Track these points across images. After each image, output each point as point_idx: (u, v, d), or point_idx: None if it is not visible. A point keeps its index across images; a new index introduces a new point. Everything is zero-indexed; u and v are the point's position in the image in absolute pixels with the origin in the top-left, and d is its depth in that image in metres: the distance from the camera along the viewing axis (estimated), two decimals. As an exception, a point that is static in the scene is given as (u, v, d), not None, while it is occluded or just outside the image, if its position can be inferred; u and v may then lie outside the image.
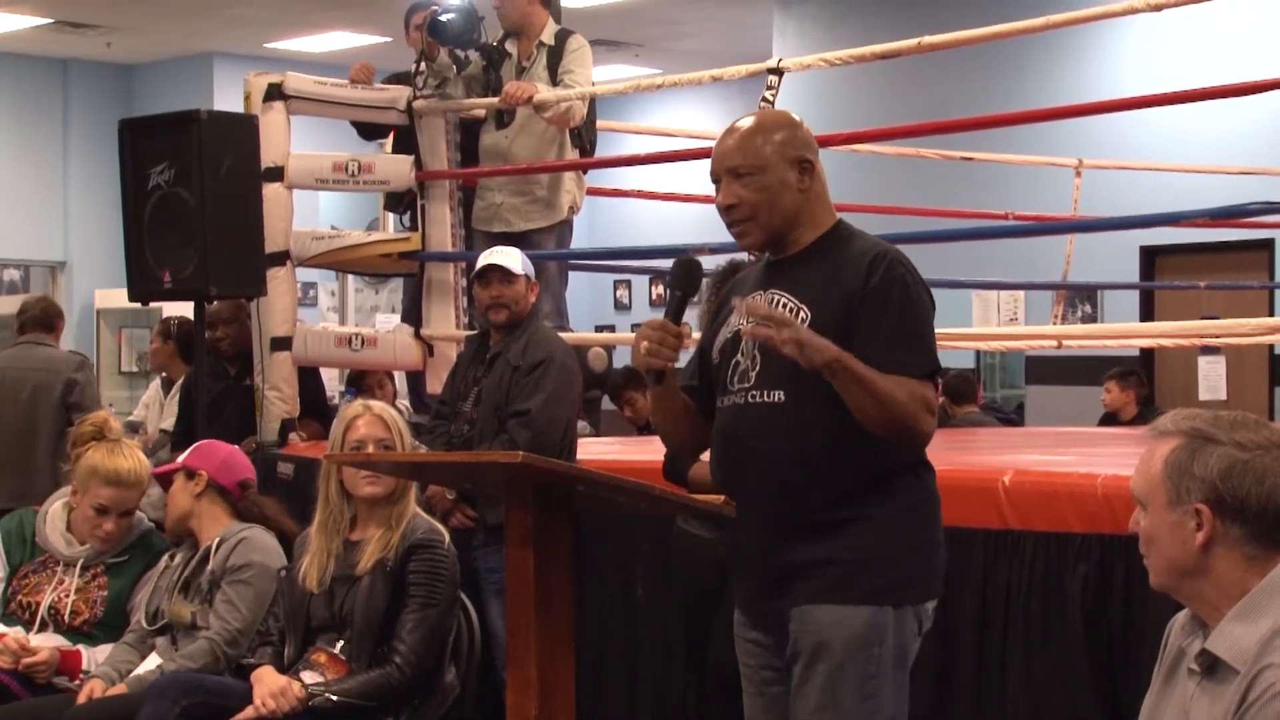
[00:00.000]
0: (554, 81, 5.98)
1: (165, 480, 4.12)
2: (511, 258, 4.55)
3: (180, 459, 4.09)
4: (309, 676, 3.56)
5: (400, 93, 6.10)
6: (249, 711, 3.47)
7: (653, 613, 4.32)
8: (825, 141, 6.46)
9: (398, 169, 6.08)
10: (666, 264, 5.53)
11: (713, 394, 2.86)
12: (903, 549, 2.74)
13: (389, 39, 12.81)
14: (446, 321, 6.03)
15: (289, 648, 3.67)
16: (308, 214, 8.78)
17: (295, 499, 4.51)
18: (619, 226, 14.14)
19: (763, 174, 2.77)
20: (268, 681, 3.51)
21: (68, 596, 4.04)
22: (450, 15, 5.99)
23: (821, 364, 2.59)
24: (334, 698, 3.49)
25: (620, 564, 4.42)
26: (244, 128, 5.52)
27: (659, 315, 2.80)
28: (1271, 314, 9.23)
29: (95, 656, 3.96)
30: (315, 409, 6.12)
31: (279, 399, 5.89)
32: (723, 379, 2.82)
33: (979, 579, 3.59)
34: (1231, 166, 8.76)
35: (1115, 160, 8.81)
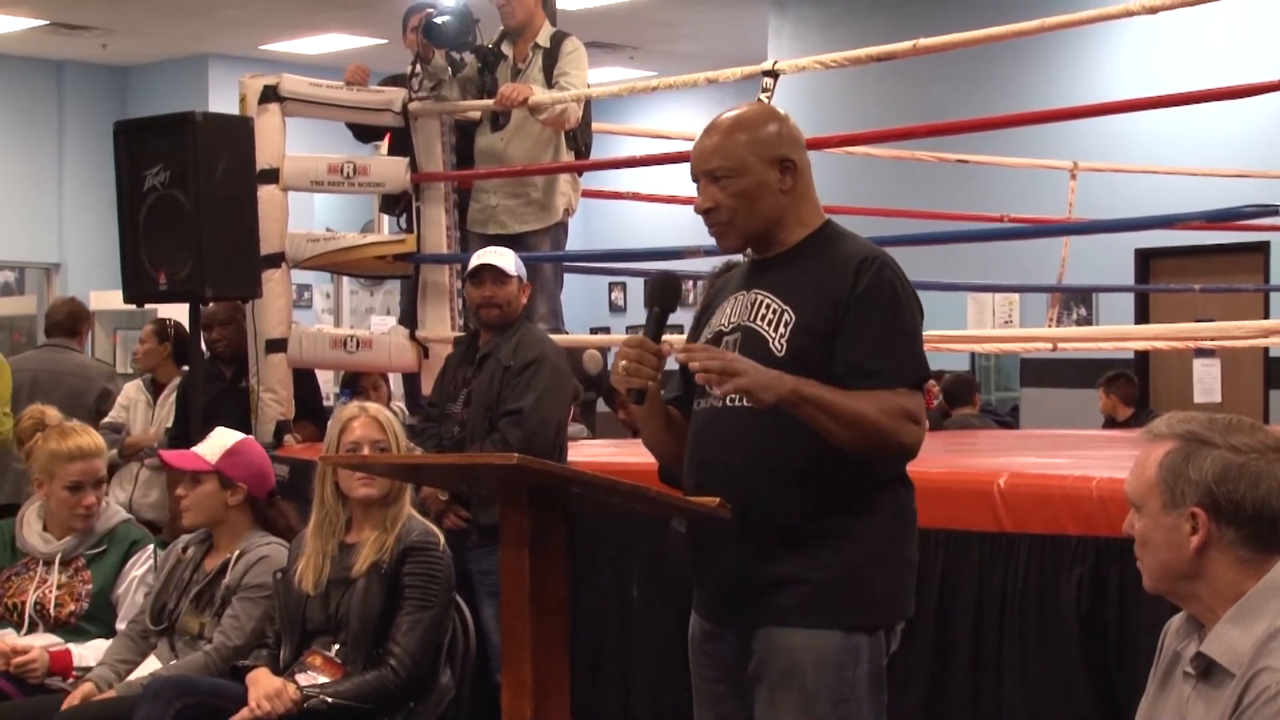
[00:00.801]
0: (549, 83, 5.98)
1: (180, 474, 4.03)
2: (505, 258, 4.56)
3: (214, 457, 3.92)
4: (304, 679, 3.56)
5: (395, 95, 6.09)
6: (244, 713, 3.46)
7: (648, 614, 4.32)
8: (820, 144, 6.48)
9: (393, 171, 6.08)
10: (662, 266, 5.53)
11: (692, 396, 2.78)
12: (878, 569, 2.65)
13: (384, 41, 12.82)
14: (442, 323, 6.03)
15: (285, 650, 3.67)
16: (303, 216, 8.79)
17: (291, 501, 4.51)
18: (614, 228, 14.14)
19: (741, 177, 2.68)
20: (263, 683, 3.51)
21: (51, 592, 4.05)
22: (445, 18, 5.99)
23: (775, 401, 2.52)
24: (329, 700, 3.48)
25: (615, 565, 4.42)
26: (239, 130, 5.51)
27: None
28: (1266, 316, 9.23)
29: (85, 654, 3.96)
30: (310, 411, 6.11)
31: (274, 401, 5.88)
32: (701, 382, 2.72)
33: (974, 582, 3.59)
34: (1226, 169, 8.77)
35: (1110, 163, 8.82)
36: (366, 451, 3.72)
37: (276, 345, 5.91)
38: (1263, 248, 9.77)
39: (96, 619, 4.06)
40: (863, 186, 9.59)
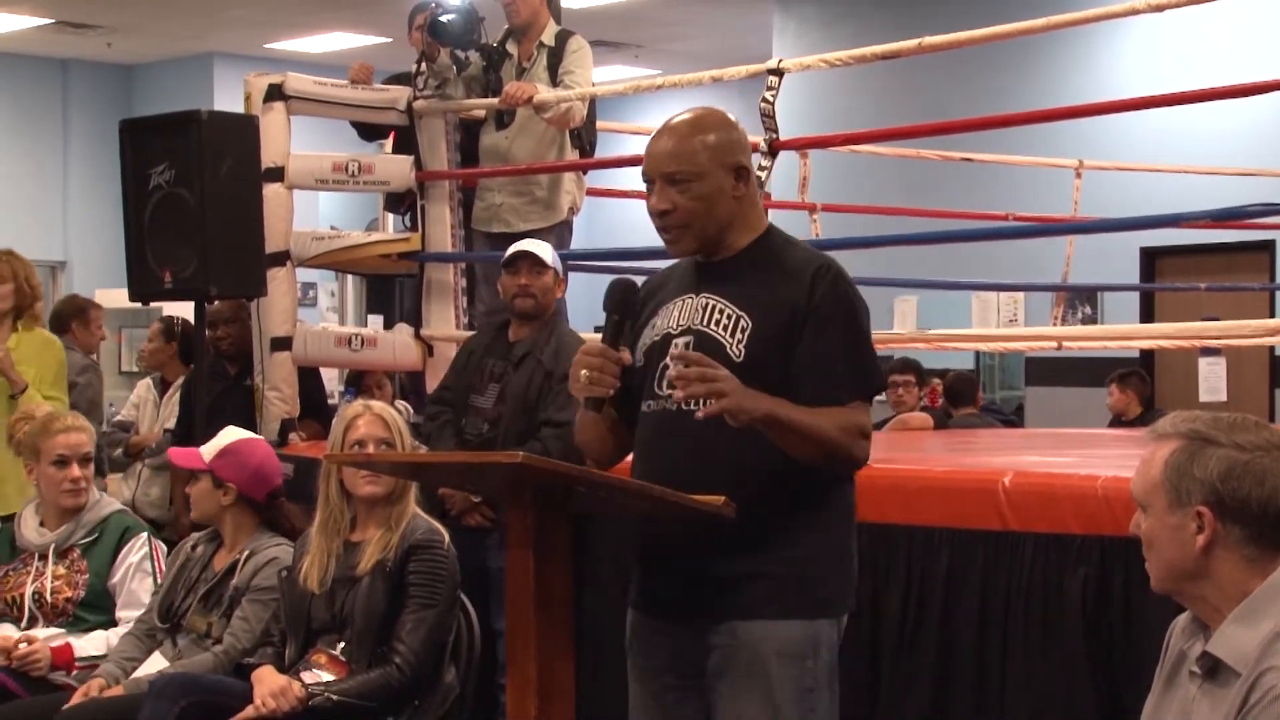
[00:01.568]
0: (554, 82, 5.98)
1: (186, 474, 4.09)
2: (543, 249, 4.51)
3: (208, 456, 3.97)
4: (309, 677, 3.56)
5: (400, 93, 6.10)
6: (249, 711, 3.47)
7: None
8: (824, 142, 6.50)
9: (398, 169, 6.08)
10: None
11: (634, 400, 2.78)
12: (831, 561, 2.72)
13: (389, 39, 12.82)
14: (446, 322, 6.03)
15: (289, 648, 3.67)
16: (308, 214, 8.79)
17: (295, 499, 4.51)
18: (618, 227, 14.13)
19: (700, 181, 2.69)
20: (268, 681, 3.51)
21: (49, 582, 4.07)
22: (450, 15, 5.99)
23: (749, 423, 2.55)
24: (334, 697, 3.48)
25: (620, 564, 4.42)
26: (244, 128, 5.52)
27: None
28: (1272, 315, 9.23)
29: (85, 646, 3.97)
30: (315, 409, 6.12)
31: (279, 399, 5.89)
32: (649, 384, 2.74)
33: (978, 581, 3.59)
34: (1232, 168, 8.76)
35: (1116, 161, 8.81)
36: (371, 450, 3.72)
37: (281, 343, 5.91)
38: (1268, 246, 9.77)
39: (94, 607, 4.08)
40: (867, 186, 9.59)
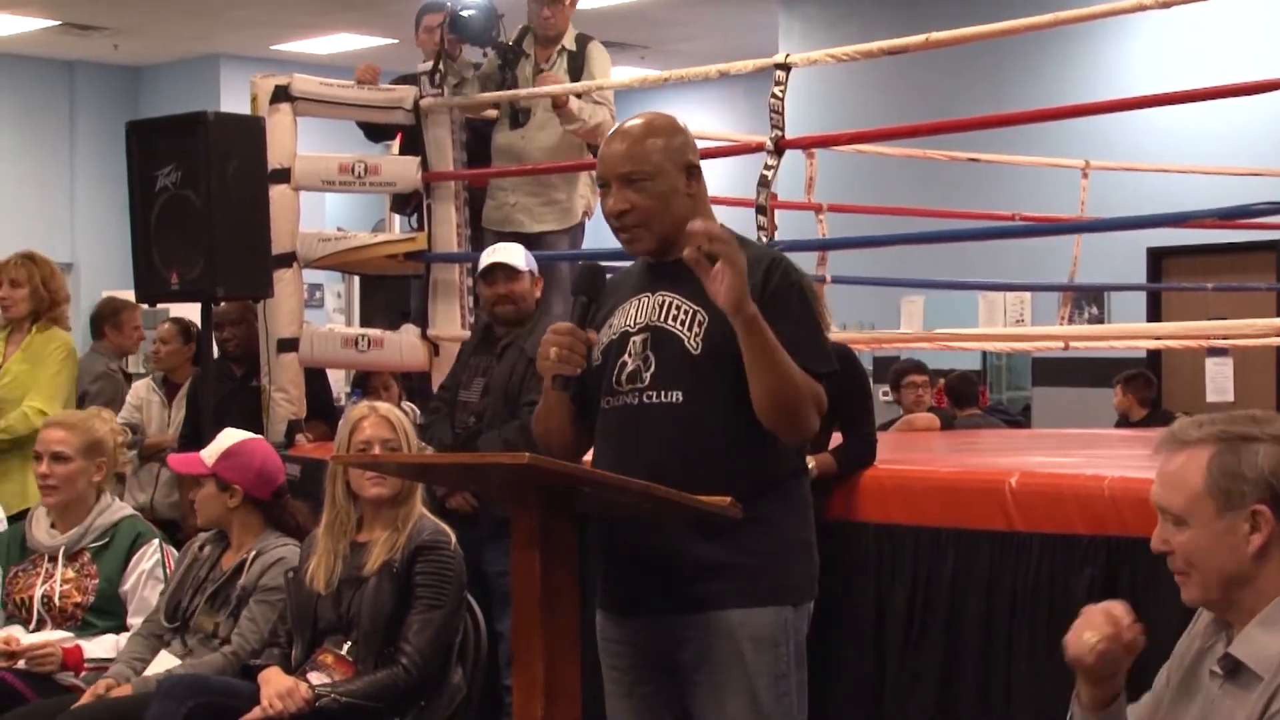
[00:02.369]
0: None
1: (192, 478, 4.08)
2: (515, 254, 4.59)
3: (210, 460, 3.97)
4: (316, 677, 3.56)
5: (406, 93, 6.10)
6: (256, 712, 3.47)
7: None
8: (830, 141, 6.50)
9: (404, 170, 6.08)
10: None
11: (593, 399, 2.82)
12: (795, 550, 2.79)
13: (395, 40, 12.83)
14: (452, 322, 6.03)
15: (296, 649, 3.68)
16: (314, 215, 8.79)
17: (302, 500, 4.52)
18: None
19: (655, 180, 2.76)
20: (275, 682, 3.52)
21: (58, 585, 4.07)
22: (471, 11, 6.00)
23: (738, 311, 2.58)
24: (341, 698, 3.49)
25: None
26: (251, 129, 5.52)
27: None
28: (1279, 315, 9.21)
29: (94, 649, 3.97)
30: (321, 410, 6.12)
31: (285, 400, 5.89)
32: (608, 380, 2.79)
33: (985, 581, 3.59)
34: (1239, 167, 8.75)
35: (1122, 161, 8.80)
36: (377, 451, 3.73)
37: (288, 345, 5.92)
38: (1275, 246, 9.75)
39: (103, 612, 4.07)
40: (873, 185, 9.59)
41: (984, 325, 10.49)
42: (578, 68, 6.08)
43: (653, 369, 2.75)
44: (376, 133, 6.67)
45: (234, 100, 11.44)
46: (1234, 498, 2.11)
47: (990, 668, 3.57)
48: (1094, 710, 2.22)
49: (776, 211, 5.38)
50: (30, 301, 5.30)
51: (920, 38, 4.85)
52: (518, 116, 6.10)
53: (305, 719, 3.47)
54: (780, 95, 5.02)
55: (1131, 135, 9.51)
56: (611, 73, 6.24)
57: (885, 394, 7.97)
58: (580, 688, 2.73)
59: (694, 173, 2.81)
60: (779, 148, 4.98)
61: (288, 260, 5.89)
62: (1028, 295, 10.54)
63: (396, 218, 6.80)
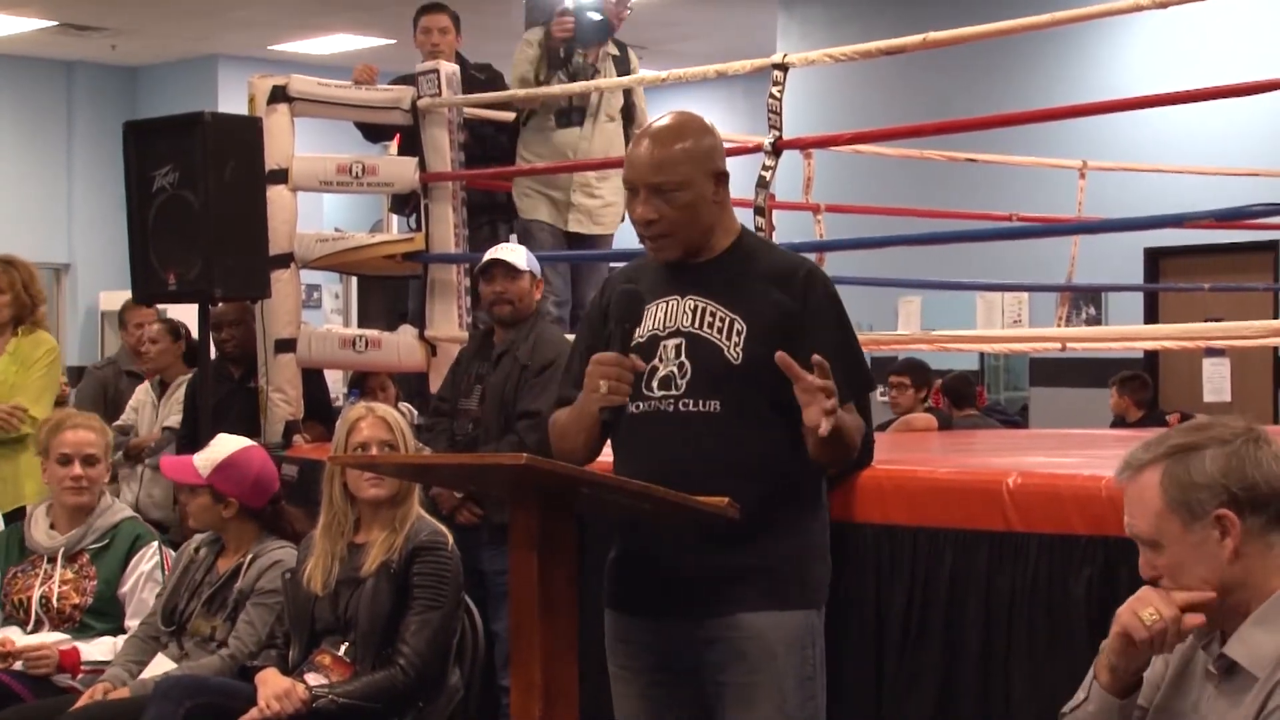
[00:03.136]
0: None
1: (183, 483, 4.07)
2: (516, 254, 4.59)
3: (205, 472, 3.94)
4: (313, 678, 3.56)
5: (404, 93, 6.10)
6: (254, 713, 3.47)
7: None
8: (828, 142, 6.49)
9: (401, 171, 6.08)
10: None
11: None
12: (817, 553, 2.82)
13: (393, 41, 12.83)
14: (450, 322, 6.03)
15: (293, 650, 3.68)
16: (312, 216, 8.80)
17: (299, 501, 4.51)
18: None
19: (684, 190, 2.73)
20: (272, 683, 3.52)
21: (56, 587, 4.06)
22: (600, 17, 6.12)
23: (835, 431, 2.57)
24: (338, 699, 3.49)
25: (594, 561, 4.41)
26: (248, 130, 5.52)
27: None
28: (1276, 316, 9.21)
29: (92, 651, 3.97)
30: (319, 411, 6.12)
31: (283, 401, 5.89)
32: (637, 385, 2.75)
33: (982, 582, 3.58)
34: (1236, 168, 8.75)
35: (1119, 162, 8.80)
36: (375, 452, 3.72)
37: (285, 345, 5.91)
38: (1272, 246, 9.76)
39: (101, 614, 4.07)
40: (871, 186, 9.59)
41: (982, 325, 10.50)
42: (624, 71, 6.24)
43: (689, 376, 2.72)
44: (374, 133, 6.67)
45: (232, 101, 11.44)
46: (1194, 508, 2.13)
47: (989, 668, 3.57)
48: (1115, 693, 2.21)
49: (774, 212, 5.38)
50: (12, 307, 5.30)
51: (918, 38, 4.85)
52: (571, 116, 6.15)
53: (303, 720, 3.47)
54: (778, 95, 5.02)
55: (1129, 136, 9.52)
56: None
57: (882, 394, 7.97)
58: (578, 689, 2.73)
59: (721, 179, 2.79)
60: (777, 148, 4.98)
61: (285, 261, 5.89)
62: (1026, 296, 10.54)
63: (394, 218, 6.80)
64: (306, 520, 3.98)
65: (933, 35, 4.81)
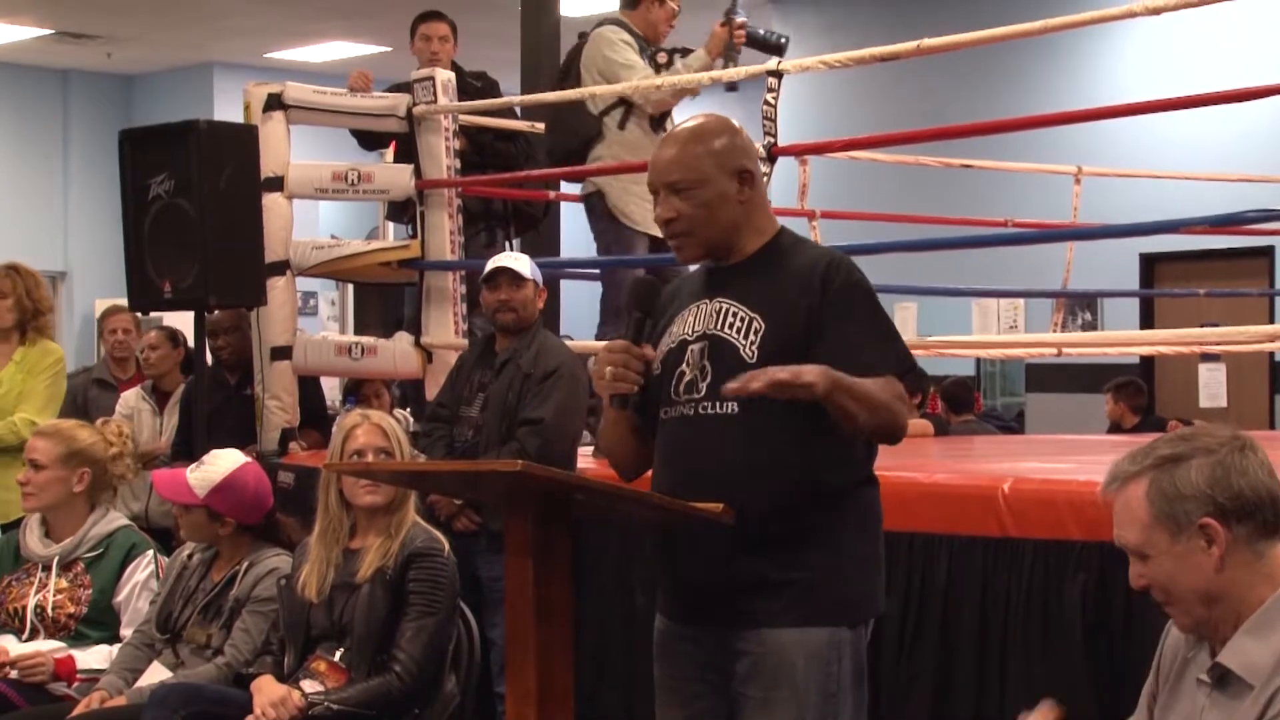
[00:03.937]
0: None
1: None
2: (520, 262, 4.58)
3: (201, 493, 3.89)
4: (309, 685, 3.56)
5: (399, 100, 6.11)
6: (249, 720, 3.47)
7: (652, 620, 4.31)
8: (823, 148, 6.50)
9: (397, 178, 6.09)
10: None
11: (653, 409, 2.78)
12: (854, 567, 2.71)
13: (388, 48, 12.84)
14: (446, 329, 6.04)
15: (289, 656, 3.67)
16: (308, 223, 8.81)
17: (295, 508, 4.51)
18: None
19: (702, 188, 2.71)
20: (267, 691, 3.51)
21: (51, 595, 4.06)
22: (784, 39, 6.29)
23: (825, 387, 2.51)
24: (334, 706, 3.48)
25: (619, 572, 4.42)
26: (244, 138, 5.53)
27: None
28: (1271, 321, 9.22)
29: (88, 659, 3.96)
30: (315, 418, 6.11)
31: (279, 408, 5.89)
32: (666, 390, 2.74)
33: (978, 587, 3.59)
34: (1231, 173, 8.75)
35: (1115, 167, 8.81)
36: (370, 459, 3.72)
37: (281, 353, 5.92)
38: (1268, 252, 9.77)
39: (96, 623, 4.07)
40: (866, 192, 9.60)
41: (978, 331, 10.51)
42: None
43: (709, 379, 2.69)
44: (370, 141, 6.67)
45: (227, 108, 11.44)
46: (1180, 519, 2.13)
47: (984, 672, 3.57)
48: None
49: (770, 218, 5.38)
50: (15, 312, 5.29)
51: (912, 44, 4.86)
52: (664, 121, 6.18)
53: (298, 727, 3.47)
54: (773, 102, 5.03)
55: (1124, 141, 9.53)
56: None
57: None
58: (574, 696, 2.73)
59: (746, 178, 2.74)
60: (772, 155, 4.99)
61: (281, 268, 5.90)
62: (1021, 301, 10.55)
63: (390, 225, 6.80)
64: (300, 529, 3.98)
65: (927, 42, 4.82)
